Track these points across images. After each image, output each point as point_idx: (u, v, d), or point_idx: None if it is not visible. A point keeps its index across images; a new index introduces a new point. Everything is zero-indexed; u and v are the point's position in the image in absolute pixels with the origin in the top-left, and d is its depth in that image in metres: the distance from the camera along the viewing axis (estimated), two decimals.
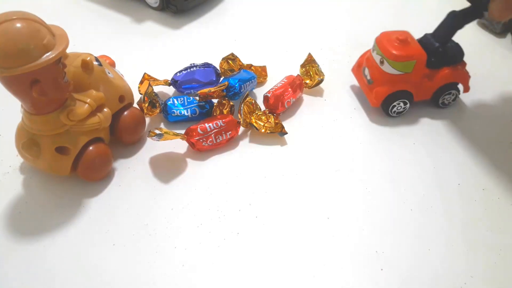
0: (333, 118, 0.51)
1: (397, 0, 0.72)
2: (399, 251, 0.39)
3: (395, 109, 0.49)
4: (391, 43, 0.47)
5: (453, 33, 0.48)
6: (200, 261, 0.38)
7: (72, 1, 0.71)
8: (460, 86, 0.51)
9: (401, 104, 0.49)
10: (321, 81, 0.54)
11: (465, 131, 0.50)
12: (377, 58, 0.48)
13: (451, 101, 0.52)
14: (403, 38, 0.47)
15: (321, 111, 0.52)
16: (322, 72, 0.54)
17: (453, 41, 0.50)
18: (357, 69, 0.53)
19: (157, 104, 0.48)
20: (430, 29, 0.50)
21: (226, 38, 0.64)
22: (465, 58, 0.51)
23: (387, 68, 0.47)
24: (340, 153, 0.47)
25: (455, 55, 0.50)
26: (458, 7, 0.47)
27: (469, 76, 0.51)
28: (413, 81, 0.48)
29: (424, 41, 0.49)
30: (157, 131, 0.42)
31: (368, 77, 0.49)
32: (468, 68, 0.52)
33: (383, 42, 0.47)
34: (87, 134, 0.41)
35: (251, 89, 0.53)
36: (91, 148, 0.41)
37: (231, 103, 0.49)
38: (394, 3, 0.72)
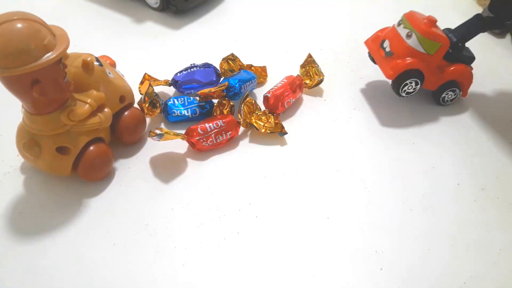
0: (333, 118, 0.51)
1: (397, 1, 0.72)
2: (399, 251, 0.39)
3: (405, 88, 0.49)
4: (422, 20, 0.47)
5: (475, 33, 0.49)
6: (200, 260, 0.38)
7: (72, 1, 0.71)
8: None
9: (413, 84, 0.49)
10: (321, 81, 0.54)
11: (464, 131, 0.50)
12: (403, 31, 0.48)
13: (451, 99, 0.52)
14: (433, 20, 0.47)
15: (321, 111, 0.52)
16: (322, 72, 0.54)
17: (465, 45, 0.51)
18: (372, 42, 0.53)
19: (158, 104, 0.48)
20: None
21: (226, 38, 0.64)
22: None
23: (413, 42, 0.47)
24: (340, 153, 0.47)
25: (468, 57, 0.51)
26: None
27: (472, 82, 0.52)
28: (430, 65, 0.49)
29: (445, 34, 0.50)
30: (158, 131, 0.42)
31: (388, 49, 0.49)
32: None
33: (413, 17, 0.48)
34: (87, 134, 0.41)
35: (251, 89, 0.53)
36: (91, 148, 0.41)
37: (231, 103, 0.49)
38: (394, 4, 0.72)
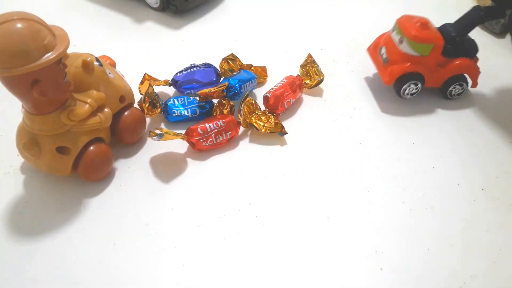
0: (333, 118, 0.51)
1: (398, 1, 0.72)
2: (399, 251, 0.39)
3: (407, 91, 0.50)
4: (412, 25, 0.48)
5: (473, 26, 0.49)
6: (200, 261, 0.38)
7: (72, 1, 0.71)
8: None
9: (412, 86, 0.50)
10: (321, 81, 0.54)
11: (464, 131, 0.50)
12: (396, 37, 0.49)
13: (459, 93, 0.53)
14: (424, 22, 0.48)
15: (321, 111, 0.52)
16: (322, 72, 0.54)
17: (469, 37, 0.51)
18: (373, 49, 0.54)
19: (158, 104, 0.49)
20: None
21: (226, 38, 0.64)
22: None
23: (405, 47, 0.48)
24: (340, 153, 0.47)
25: (470, 49, 0.51)
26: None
27: (479, 72, 0.52)
28: (428, 65, 0.49)
29: (443, 29, 0.50)
30: (158, 131, 0.42)
31: (384, 56, 0.50)
32: None
33: (404, 22, 0.49)
34: (87, 134, 0.41)
35: (251, 89, 0.53)
36: (91, 148, 0.41)
37: (231, 103, 0.49)
38: (393, 3, 0.72)
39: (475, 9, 0.49)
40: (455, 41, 0.49)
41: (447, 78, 0.51)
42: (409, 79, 0.49)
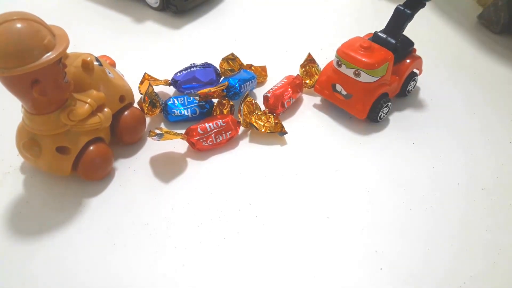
0: (333, 118, 0.51)
1: (397, 1, 0.72)
2: (399, 251, 0.39)
3: (381, 114, 0.49)
4: (359, 53, 0.47)
5: (404, 26, 0.49)
6: (200, 261, 0.38)
7: (72, 1, 0.71)
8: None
9: (385, 108, 0.49)
10: None
11: (464, 131, 0.50)
12: (349, 71, 0.47)
13: (413, 87, 0.54)
14: (367, 46, 0.47)
15: (321, 111, 0.52)
16: None
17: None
18: (323, 88, 0.51)
19: (158, 104, 0.49)
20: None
21: (226, 38, 0.64)
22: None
23: (365, 78, 0.47)
24: (340, 153, 0.47)
25: (408, 45, 0.51)
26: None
27: (422, 61, 0.52)
28: (387, 81, 0.49)
29: (379, 40, 0.49)
30: (158, 131, 0.42)
31: (344, 93, 0.48)
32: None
33: (350, 54, 0.47)
34: (87, 134, 0.41)
35: (251, 89, 0.53)
36: (91, 148, 0.41)
37: (231, 103, 0.49)
38: (392, 3, 0.72)
39: (398, 10, 0.48)
40: (398, 47, 0.49)
41: (403, 81, 0.51)
42: (379, 103, 0.48)
